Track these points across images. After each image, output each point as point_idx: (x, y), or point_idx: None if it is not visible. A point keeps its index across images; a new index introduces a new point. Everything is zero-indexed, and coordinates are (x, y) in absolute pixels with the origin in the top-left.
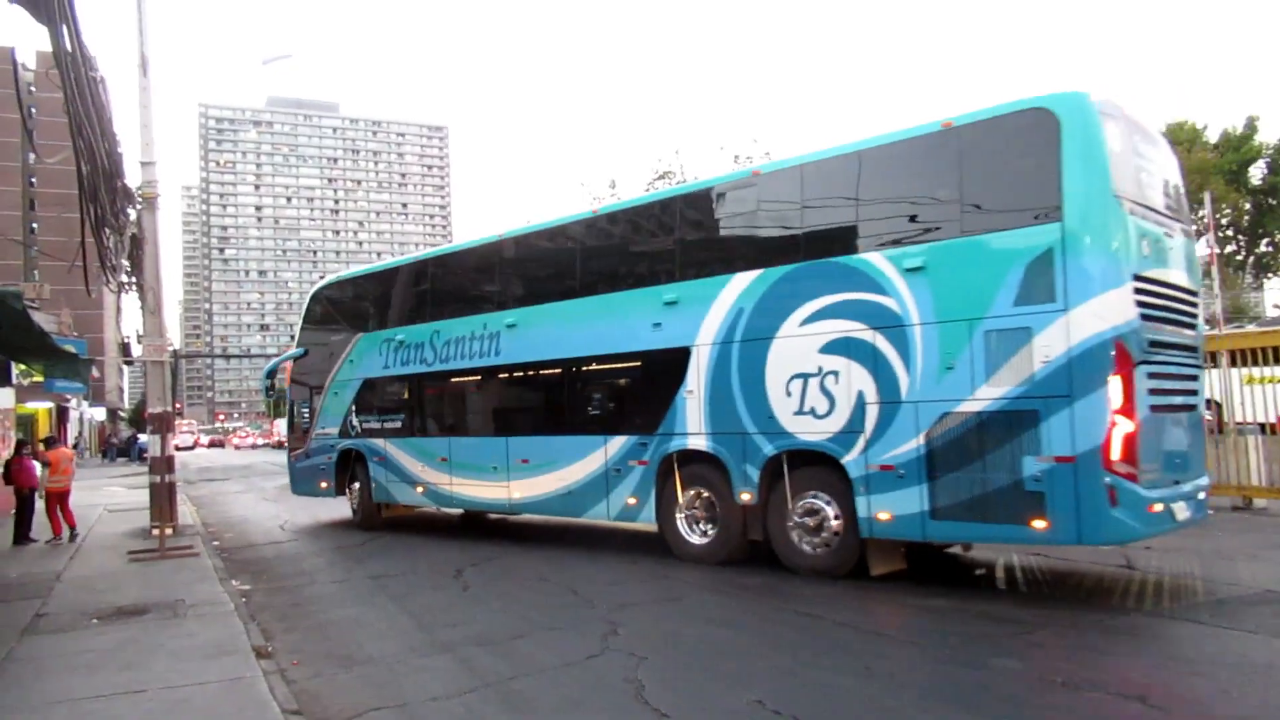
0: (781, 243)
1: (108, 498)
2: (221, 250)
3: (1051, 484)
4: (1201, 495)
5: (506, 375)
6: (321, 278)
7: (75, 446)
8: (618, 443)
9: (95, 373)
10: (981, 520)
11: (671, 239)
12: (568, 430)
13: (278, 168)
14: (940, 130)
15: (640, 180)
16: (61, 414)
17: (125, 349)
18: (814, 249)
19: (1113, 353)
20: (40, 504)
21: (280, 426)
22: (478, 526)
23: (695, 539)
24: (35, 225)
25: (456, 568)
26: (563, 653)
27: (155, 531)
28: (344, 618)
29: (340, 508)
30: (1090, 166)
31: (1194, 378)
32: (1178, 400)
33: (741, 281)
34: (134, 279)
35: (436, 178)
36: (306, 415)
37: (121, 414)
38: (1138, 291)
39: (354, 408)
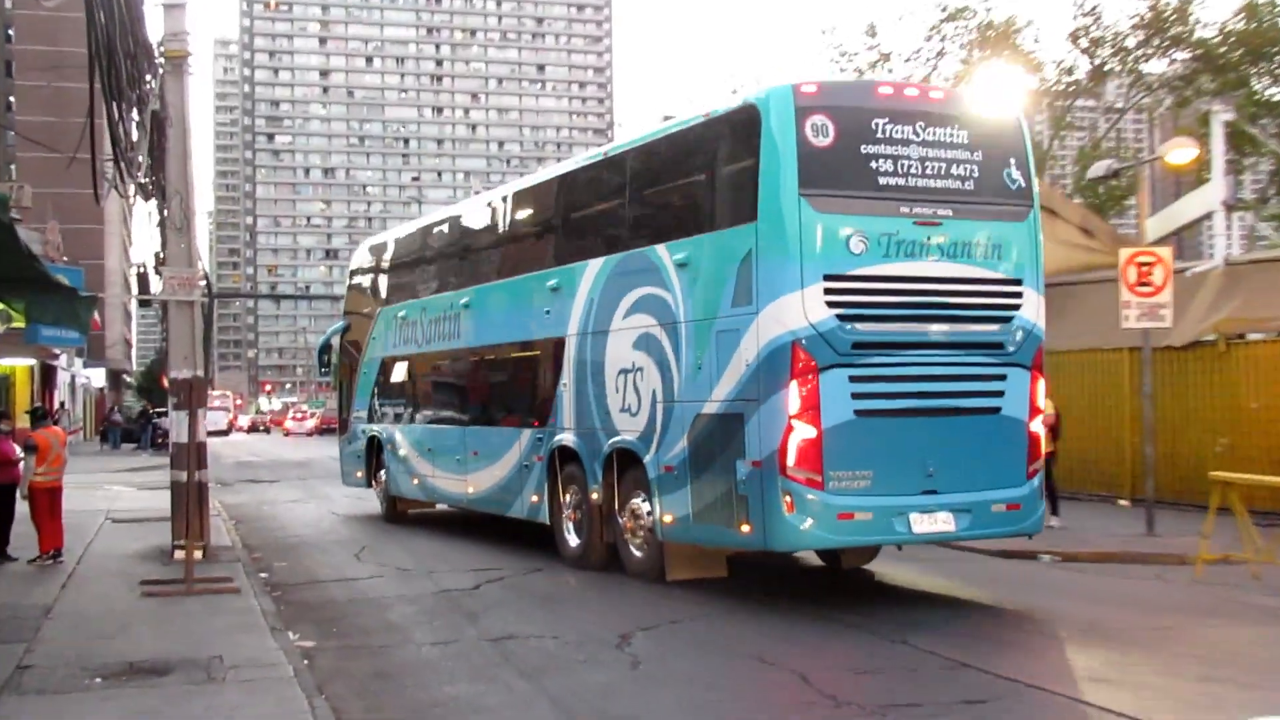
0: (615, 231)
1: (110, 501)
2: (270, 138)
3: (749, 488)
4: (1003, 507)
5: (464, 361)
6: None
7: (56, 422)
8: (526, 436)
9: (95, 317)
10: (716, 524)
11: (553, 222)
12: (497, 422)
13: (352, 11)
14: (694, 124)
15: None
16: (46, 375)
17: (141, 282)
18: (631, 239)
19: (789, 357)
20: (22, 506)
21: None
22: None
23: (572, 541)
24: (12, 99)
25: (620, 631)
26: None
27: (179, 554)
28: (454, 698)
29: (447, 532)
30: (775, 165)
31: (972, 378)
32: (920, 404)
33: (592, 270)
34: (151, 179)
35: (592, 25)
36: (349, 396)
37: (128, 379)
38: (837, 292)
39: (375, 390)
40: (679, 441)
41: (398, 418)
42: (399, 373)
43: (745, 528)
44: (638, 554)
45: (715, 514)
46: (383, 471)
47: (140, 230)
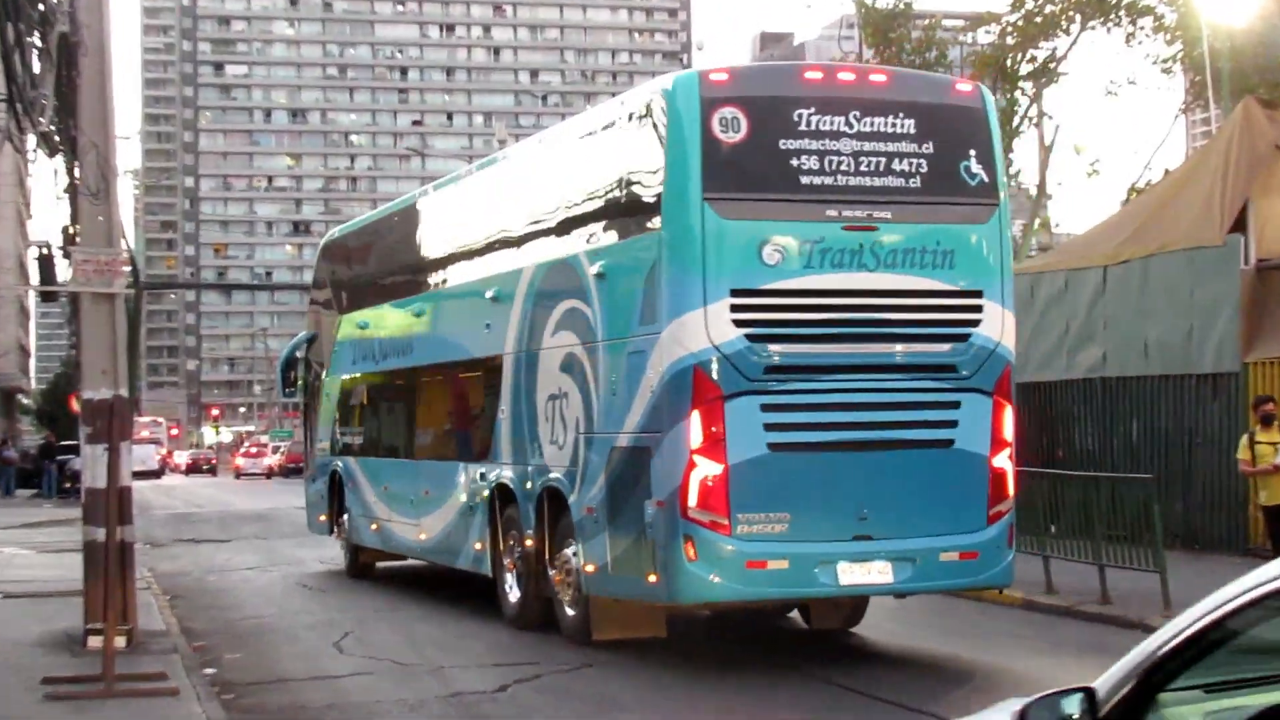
0: (545, 234)
1: (0, 567)
2: (218, 69)
3: (655, 533)
4: (954, 556)
5: (416, 382)
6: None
7: None
8: (470, 473)
9: None
10: (631, 574)
11: (490, 220)
12: (445, 455)
13: None
14: (609, 114)
15: None
16: None
17: (44, 268)
18: (558, 244)
19: (690, 383)
20: None
21: None
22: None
23: (512, 596)
24: None
25: None
26: None
27: (94, 642)
28: None
29: (455, 605)
30: (677, 166)
31: (917, 405)
32: (851, 436)
33: (525, 278)
34: (58, 127)
35: None
36: (313, 423)
37: (24, 400)
38: (746, 309)
39: (337, 415)
40: (598, 479)
41: (359, 449)
42: (359, 395)
43: (652, 578)
44: (570, 611)
45: (630, 563)
46: (345, 515)
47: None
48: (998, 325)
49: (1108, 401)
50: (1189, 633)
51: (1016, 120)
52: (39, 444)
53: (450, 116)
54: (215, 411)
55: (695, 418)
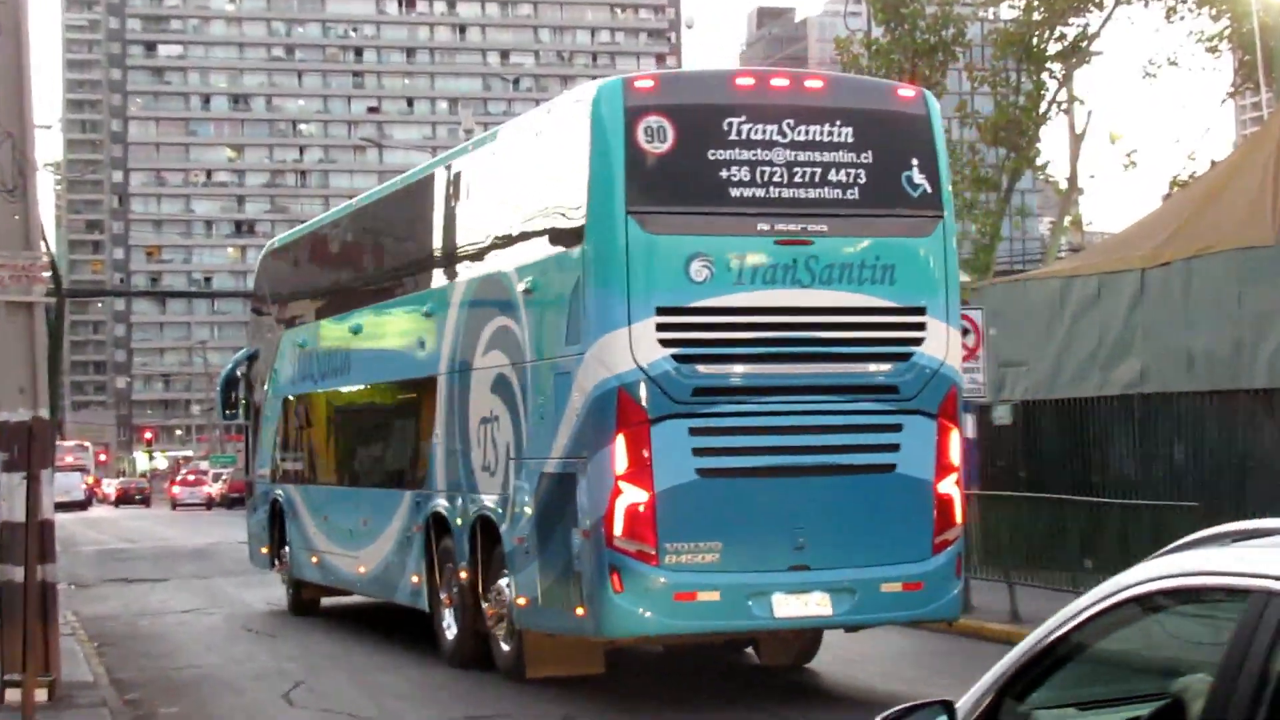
0: (476, 247)
1: None
2: (150, 49)
3: (582, 563)
4: (897, 587)
5: (353, 403)
6: (373, 111)
7: None
8: (407, 500)
9: None
10: (560, 607)
11: (422, 231)
12: (382, 482)
13: None
14: (536, 122)
15: None
16: None
17: None
18: (489, 258)
19: (614, 405)
20: None
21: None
22: None
23: (449, 633)
24: None
25: None
26: None
27: (11, 695)
28: None
29: (417, 649)
30: (599, 178)
31: (856, 429)
32: (785, 461)
33: (458, 294)
34: None
35: None
36: (254, 447)
37: None
38: (672, 327)
39: (277, 439)
40: (528, 507)
41: (298, 477)
42: (299, 418)
43: (580, 611)
44: (505, 647)
45: (559, 595)
46: (286, 548)
47: None
48: (942, 344)
49: (1148, 420)
50: (1041, 646)
51: (1044, 106)
52: None
53: (411, 103)
54: (148, 434)
55: (620, 442)
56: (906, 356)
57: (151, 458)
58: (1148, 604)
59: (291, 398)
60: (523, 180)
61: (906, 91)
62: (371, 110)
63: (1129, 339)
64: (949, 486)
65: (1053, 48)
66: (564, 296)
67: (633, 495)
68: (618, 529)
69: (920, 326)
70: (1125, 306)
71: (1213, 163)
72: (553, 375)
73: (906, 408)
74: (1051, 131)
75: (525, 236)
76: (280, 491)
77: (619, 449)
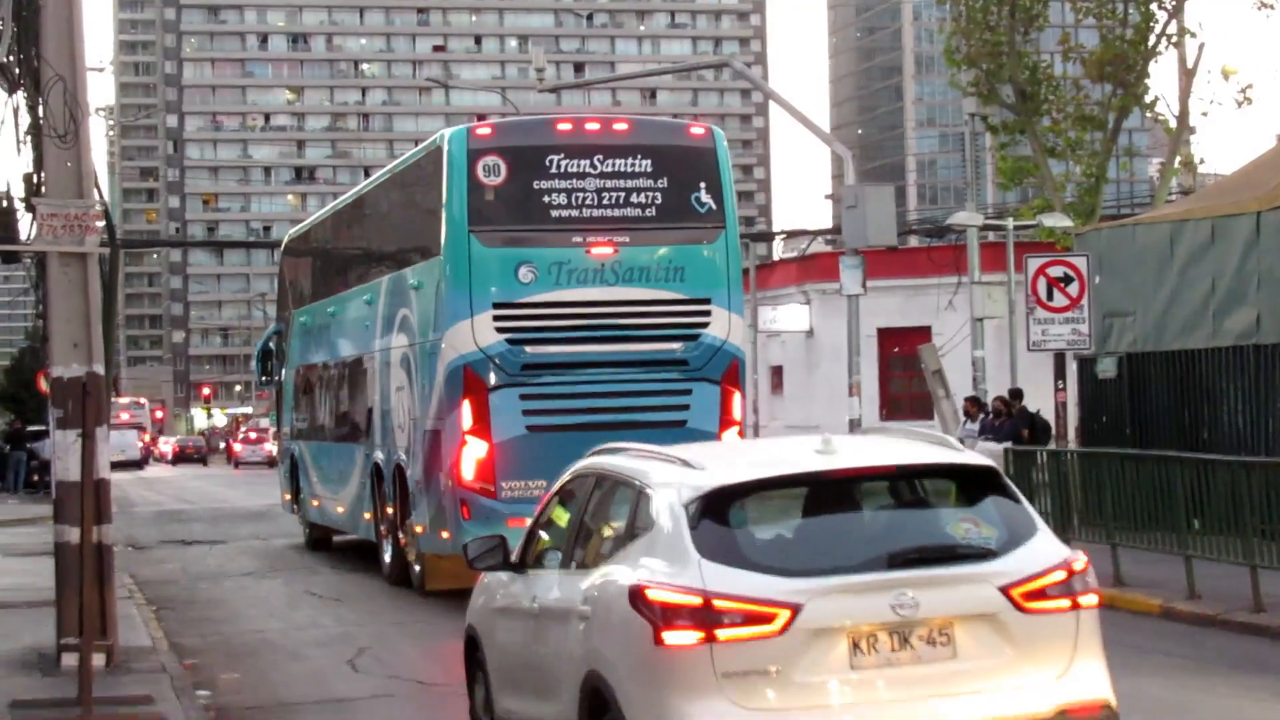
0: (393, 251)
1: None
2: None
3: (445, 499)
4: None
5: (333, 374)
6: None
7: None
8: (360, 453)
9: None
10: (437, 533)
11: (361, 237)
12: (349, 438)
13: None
14: (417, 158)
15: None
16: None
17: (2, 223)
18: (400, 260)
19: (461, 379)
20: None
21: None
22: None
23: (386, 558)
24: None
25: None
26: None
27: (69, 660)
28: None
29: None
30: (449, 204)
31: (654, 393)
32: (597, 419)
33: (384, 287)
34: (16, 56)
35: None
36: (279, 410)
37: None
38: (506, 318)
39: (293, 403)
40: (420, 457)
41: (304, 434)
42: (303, 385)
43: (444, 534)
44: (416, 568)
45: (436, 524)
46: (300, 494)
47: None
48: (725, 326)
49: (1262, 373)
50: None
51: (1153, 39)
52: (1, 430)
53: (479, 40)
54: (206, 391)
55: (466, 406)
56: (695, 337)
57: (210, 415)
58: (570, 483)
59: (299, 369)
60: (410, 203)
61: (697, 129)
62: (437, 49)
63: (1243, 287)
64: (731, 436)
65: None
66: (432, 294)
67: (476, 447)
68: (466, 473)
69: (706, 314)
70: (1239, 252)
71: None
72: (428, 355)
73: (695, 376)
74: (1161, 66)
75: (414, 246)
76: (295, 448)
77: (465, 412)
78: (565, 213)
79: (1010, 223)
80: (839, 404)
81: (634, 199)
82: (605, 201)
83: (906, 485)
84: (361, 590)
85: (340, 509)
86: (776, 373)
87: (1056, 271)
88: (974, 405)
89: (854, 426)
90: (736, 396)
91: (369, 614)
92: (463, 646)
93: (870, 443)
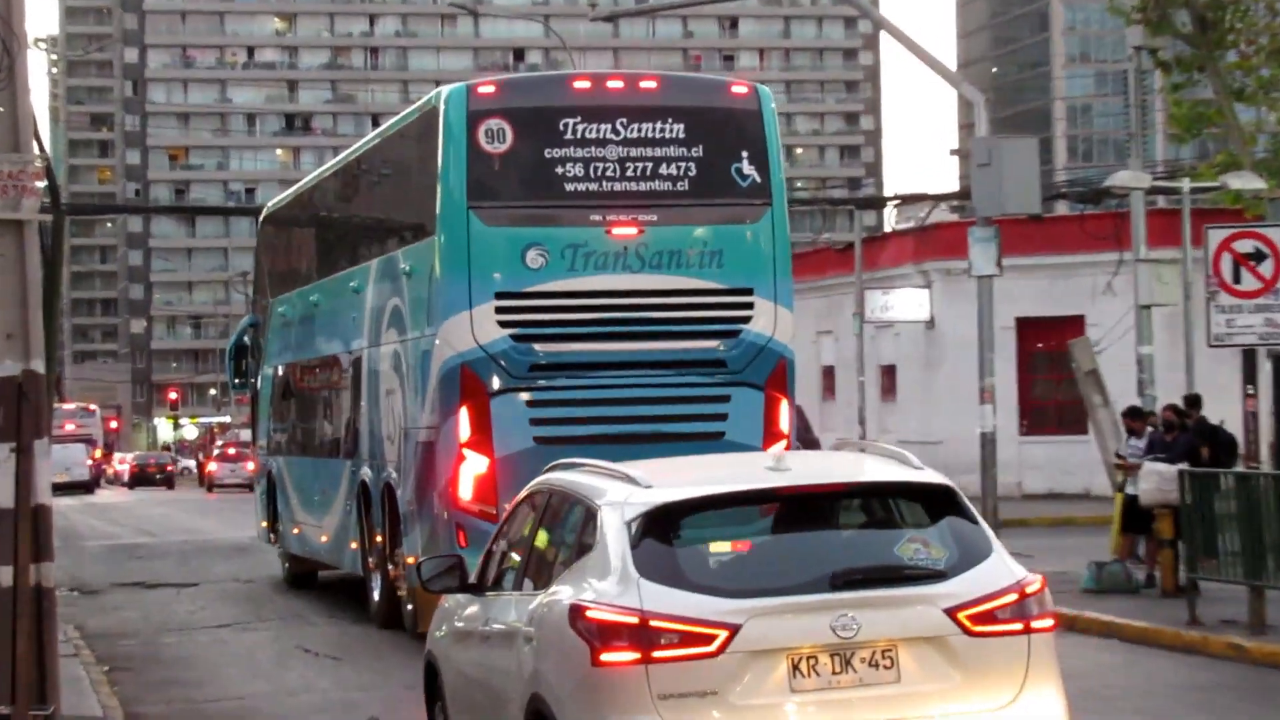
0: (381, 230)
1: None
2: None
3: (438, 522)
4: None
5: (316, 375)
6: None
7: None
8: (346, 470)
9: None
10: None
11: (346, 213)
12: (333, 453)
13: None
14: (408, 121)
15: None
16: None
17: None
18: (388, 241)
19: (458, 381)
20: None
21: None
22: None
23: (375, 594)
24: None
25: None
26: None
27: None
28: None
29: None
30: (445, 176)
31: (686, 400)
32: (618, 430)
33: (372, 272)
34: None
35: None
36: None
37: None
38: (510, 310)
39: (270, 409)
40: (412, 474)
41: (283, 448)
42: (284, 388)
43: None
44: (409, 606)
45: (429, 553)
46: (279, 520)
47: None
48: (770, 321)
49: None
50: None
51: None
52: None
53: None
54: (173, 395)
55: (463, 414)
56: (735, 334)
57: (177, 425)
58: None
59: (277, 368)
60: (401, 173)
61: (740, 87)
62: None
63: None
64: (779, 451)
65: None
66: (425, 281)
67: (475, 462)
68: (463, 492)
69: (748, 306)
70: None
71: None
72: (421, 353)
73: (734, 380)
74: None
75: (407, 223)
76: (273, 464)
77: (462, 420)
78: (582, 186)
79: (1186, 185)
80: (967, 413)
81: (664, 170)
82: (630, 173)
83: (859, 504)
84: (366, 644)
85: (324, 537)
86: (888, 373)
87: (1245, 246)
88: (1135, 419)
89: (986, 443)
90: (784, 404)
91: (377, 674)
92: (422, 676)
93: (826, 459)
